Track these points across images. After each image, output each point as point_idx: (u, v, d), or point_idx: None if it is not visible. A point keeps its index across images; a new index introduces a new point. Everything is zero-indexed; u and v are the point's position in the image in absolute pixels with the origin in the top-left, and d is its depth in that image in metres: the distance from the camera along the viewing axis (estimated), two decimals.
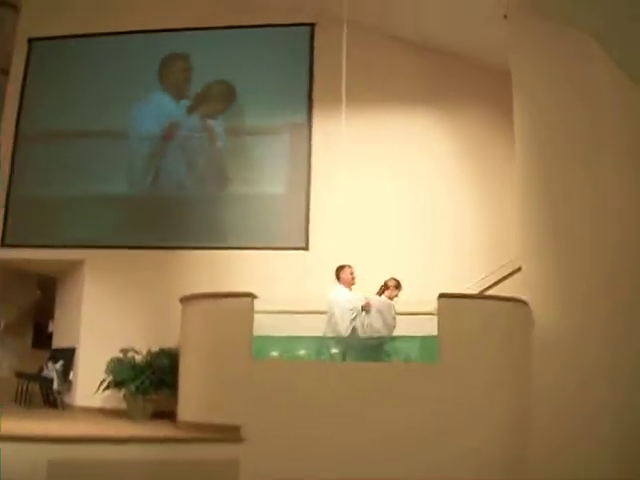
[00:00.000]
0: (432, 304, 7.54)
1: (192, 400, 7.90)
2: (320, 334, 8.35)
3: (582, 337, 7.55)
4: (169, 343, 9.29)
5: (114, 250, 10.39)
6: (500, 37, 8.80)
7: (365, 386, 7.27)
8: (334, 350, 8.11)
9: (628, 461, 7.27)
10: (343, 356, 8.10)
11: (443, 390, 7.20)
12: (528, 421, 7.41)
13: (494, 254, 9.68)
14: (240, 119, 10.85)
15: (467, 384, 7.24)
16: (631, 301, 8.00)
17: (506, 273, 9.56)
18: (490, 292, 9.46)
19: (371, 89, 10.41)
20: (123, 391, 9.21)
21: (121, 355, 9.43)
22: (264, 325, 7.79)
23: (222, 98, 10.94)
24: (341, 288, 8.51)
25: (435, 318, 7.42)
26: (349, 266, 8.66)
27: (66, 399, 10.14)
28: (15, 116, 10.82)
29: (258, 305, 7.66)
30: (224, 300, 7.81)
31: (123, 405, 9.35)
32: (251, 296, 7.63)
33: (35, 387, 10.48)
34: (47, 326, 12.09)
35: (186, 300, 8.25)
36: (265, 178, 10.58)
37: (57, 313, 11.62)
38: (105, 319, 10.08)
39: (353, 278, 8.61)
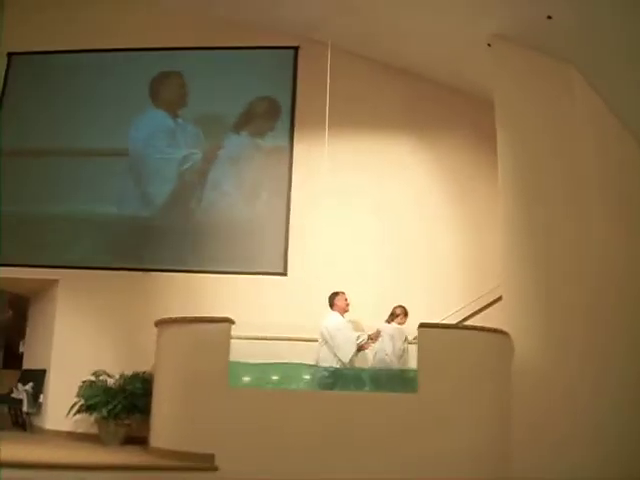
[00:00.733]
0: (412, 333, 7.48)
1: (165, 426, 7.76)
2: (297, 361, 8.29)
3: (562, 367, 7.57)
4: (143, 367, 9.17)
5: (89, 271, 10.20)
6: (483, 65, 8.82)
7: (341, 416, 7.18)
8: (325, 374, 7.98)
9: None
10: (332, 385, 7.94)
11: (422, 421, 7.12)
12: (508, 451, 7.34)
13: (474, 283, 9.61)
14: (220, 139, 10.78)
15: (446, 414, 7.17)
16: (611, 333, 8.01)
17: (486, 303, 9.51)
18: (470, 322, 9.37)
19: (353, 114, 10.37)
20: (94, 415, 9.04)
21: (93, 378, 9.28)
22: (241, 351, 7.69)
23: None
24: (336, 315, 8.44)
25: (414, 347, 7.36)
26: (343, 293, 8.62)
27: (36, 422, 9.93)
28: None
29: (235, 330, 7.54)
30: (201, 325, 7.69)
31: (94, 429, 9.19)
32: (229, 321, 7.52)
33: (4, 408, 10.27)
34: (18, 346, 11.87)
35: (162, 323, 8.13)
36: (244, 201, 10.45)
37: (28, 333, 11.38)
38: (78, 341, 9.89)
39: (347, 305, 8.58)
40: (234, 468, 6.95)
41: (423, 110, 10.59)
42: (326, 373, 7.98)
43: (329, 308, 8.54)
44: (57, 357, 9.99)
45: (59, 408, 9.33)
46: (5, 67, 11.20)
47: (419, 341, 7.31)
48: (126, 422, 8.94)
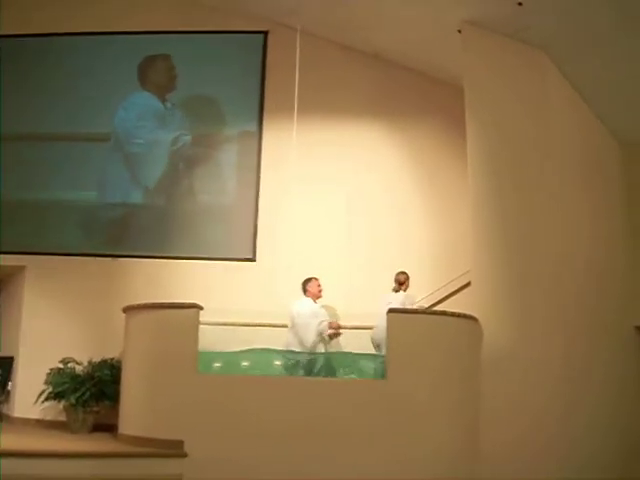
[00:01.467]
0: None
1: (134, 413, 7.72)
2: (264, 346, 8.28)
3: (531, 352, 7.65)
4: (111, 353, 9.14)
5: (57, 257, 10.07)
6: (454, 52, 8.81)
7: (310, 401, 7.17)
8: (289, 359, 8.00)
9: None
10: (309, 371, 7.96)
11: (391, 406, 7.12)
12: (476, 437, 7.40)
13: (444, 269, 9.64)
14: (188, 125, 10.65)
15: (414, 399, 7.18)
16: (581, 318, 8.11)
17: (456, 288, 9.56)
18: (440, 307, 9.40)
19: (323, 99, 10.30)
20: (63, 403, 8.97)
21: (61, 365, 9.21)
22: (209, 337, 7.65)
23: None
24: (307, 301, 8.50)
25: None
26: (316, 279, 8.67)
27: (4, 410, 9.81)
28: None
29: (203, 316, 7.51)
30: (169, 311, 7.65)
31: (63, 417, 9.12)
32: (197, 307, 7.48)
33: None
34: None
35: (130, 310, 8.08)
36: (213, 187, 10.39)
37: None
38: (45, 328, 9.78)
39: (320, 291, 8.64)
40: (203, 454, 6.94)
41: (394, 96, 10.55)
42: (291, 357, 8.02)
43: (302, 294, 8.57)
44: (25, 344, 9.88)
45: (27, 396, 9.23)
46: None
47: (388, 326, 7.31)
48: (94, 409, 8.87)
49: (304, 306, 8.45)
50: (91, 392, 8.82)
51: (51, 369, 9.19)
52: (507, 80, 8.50)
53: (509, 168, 8.21)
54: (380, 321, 7.92)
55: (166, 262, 9.98)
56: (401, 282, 9.00)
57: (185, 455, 6.96)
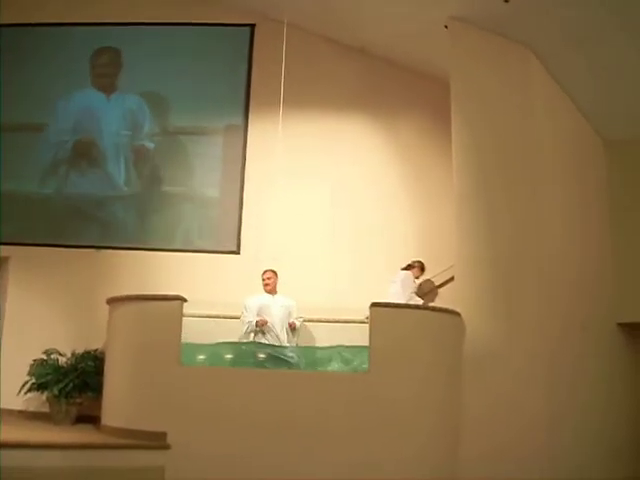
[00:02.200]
0: (364, 312, 7.51)
1: (117, 405, 7.73)
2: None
3: (514, 348, 7.67)
4: (95, 345, 9.11)
5: (40, 248, 10.05)
6: (440, 47, 8.84)
7: (293, 394, 7.20)
8: (261, 356, 8.01)
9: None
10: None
11: (373, 399, 7.16)
12: (459, 433, 7.46)
13: (428, 264, 9.62)
14: (173, 118, 10.63)
15: (397, 394, 7.22)
16: (565, 313, 8.15)
17: (439, 283, 9.61)
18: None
19: (309, 92, 10.34)
20: (46, 394, 8.94)
21: (44, 357, 9.18)
22: (193, 329, 7.67)
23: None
24: (261, 294, 8.68)
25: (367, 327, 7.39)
26: (266, 271, 8.77)
27: None
28: None
29: (187, 309, 7.52)
30: (152, 303, 7.67)
31: (46, 408, 9.07)
32: (180, 299, 7.50)
33: None
34: None
35: (113, 301, 8.08)
36: (198, 180, 10.39)
37: None
38: (29, 319, 9.77)
39: (266, 284, 8.73)
40: (186, 446, 6.95)
41: (380, 90, 10.58)
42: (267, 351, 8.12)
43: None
44: (8, 335, 9.85)
45: (10, 387, 9.15)
46: None
47: (370, 320, 7.34)
48: (78, 400, 8.84)
49: (250, 299, 8.61)
50: (74, 383, 8.79)
51: (34, 360, 9.15)
52: (493, 76, 8.54)
53: (494, 163, 8.25)
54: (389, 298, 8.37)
55: (151, 254, 9.98)
56: (411, 266, 9.25)
57: (168, 447, 6.98)
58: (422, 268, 9.36)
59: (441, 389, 7.48)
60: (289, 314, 8.68)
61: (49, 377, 8.89)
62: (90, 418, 8.49)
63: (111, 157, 10.54)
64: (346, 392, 7.22)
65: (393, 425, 7.12)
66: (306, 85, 10.22)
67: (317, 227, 10.05)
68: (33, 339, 9.44)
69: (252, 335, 8.41)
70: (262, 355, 7.97)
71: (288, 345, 8.40)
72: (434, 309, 8.09)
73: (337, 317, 8.94)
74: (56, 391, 8.74)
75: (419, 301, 9.15)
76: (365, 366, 7.39)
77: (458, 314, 7.76)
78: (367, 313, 7.42)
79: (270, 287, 8.79)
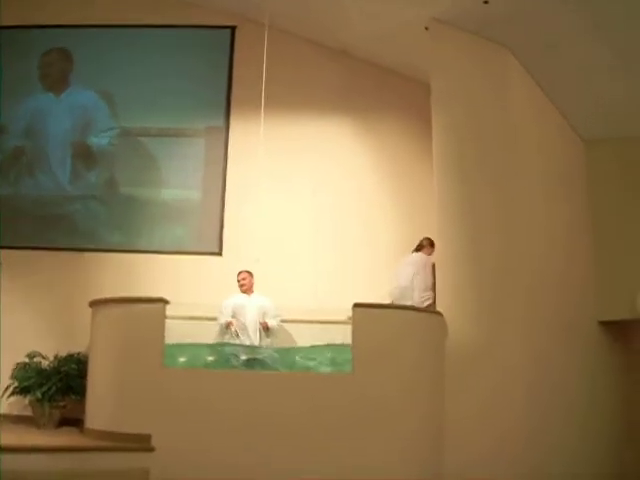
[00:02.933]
0: (347, 313, 7.54)
1: (101, 407, 7.70)
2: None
3: (497, 348, 7.73)
4: (78, 348, 9.07)
5: (20, 251, 10.00)
6: (421, 48, 8.89)
7: (277, 396, 7.21)
8: (243, 357, 8.04)
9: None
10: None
11: (357, 400, 7.19)
12: (442, 430, 7.50)
13: None
14: (154, 120, 10.62)
15: (381, 394, 7.26)
16: (548, 313, 8.23)
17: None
18: None
19: (291, 94, 10.37)
20: (29, 397, 8.90)
21: (27, 360, 9.16)
22: (175, 331, 7.67)
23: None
24: (236, 296, 8.81)
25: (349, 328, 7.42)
26: (240, 272, 8.87)
27: None
28: None
29: (169, 311, 7.53)
30: (135, 305, 7.65)
31: (29, 412, 9.04)
32: (163, 301, 7.51)
33: None
34: None
35: (96, 304, 8.06)
36: (179, 181, 10.40)
37: None
38: (11, 322, 9.67)
39: (241, 285, 8.87)
40: (171, 448, 6.95)
41: (361, 92, 10.62)
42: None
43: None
44: None
45: None
46: None
47: (353, 321, 7.38)
48: (61, 404, 8.82)
49: (227, 300, 8.74)
50: (57, 387, 8.77)
51: (17, 363, 9.13)
52: (473, 76, 8.60)
53: (474, 164, 8.31)
54: (398, 281, 8.58)
55: (133, 256, 9.96)
56: (421, 245, 9.14)
57: (152, 449, 6.97)
58: (432, 244, 8.95)
59: (425, 388, 7.53)
60: (264, 314, 8.72)
61: (32, 380, 8.85)
62: (74, 421, 8.48)
63: (62, 158, 10.57)
64: (331, 393, 7.24)
65: (378, 425, 7.14)
66: (288, 87, 10.24)
67: (299, 228, 10.08)
68: (15, 342, 9.36)
69: (226, 336, 8.48)
70: (236, 356, 8.00)
71: (263, 346, 8.45)
72: (415, 309, 8.15)
73: (320, 318, 8.95)
74: (39, 394, 8.72)
75: (430, 297, 8.81)
76: (348, 367, 7.42)
77: (440, 314, 7.80)
78: (350, 313, 7.44)
79: (246, 287, 8.86)
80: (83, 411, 7.98)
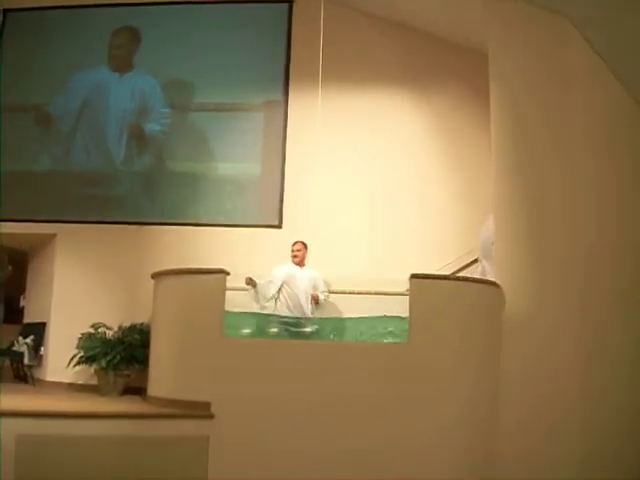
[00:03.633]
0: (404, 285, 7.55)
1: (162, 376, 7.87)
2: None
3: (554, 322, 7.54)
4: (141, 318, 9.31)
5: (86, 225, 10.29)
6: (478, 19, 8.78)
7: (335, 365, 7.26)
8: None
9: (597, 459, 7.41)
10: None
11: (412, 371, 7.20)
12: (496, 407, 7.42)
13: (467, 237, 9.61)
14: (214, 95, 10.74)
15: (436, 365, 7.25)
16: (608, 289, 8.06)
17: (477, 257, 9.58)
18: (464, 273, 9.43)
19: (348, 68, 10.37)
20: (94, 366, 9.17)
21: (92, 330, 9.42)
22: (236, 302, 7.79)
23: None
24: (288, 265, 8.87)
25: (406, 299, 7.41)
26: (295, 242, 8.91)
27: (37, 374, 10.07)
28: None
29: (230, 282, 7.63)
30: (196, 276, 7.75)
31: (94, 381, 9.34)
32: (223, 272, 7.58)
33: (6, 362, 10.42)
34: (18, 301, 12.00)
35: (158, 276, 8.20)
36: (238, 155, 10.50)
37: (28, 288, 11.51)
38: (76, 294, 10.02)
39: (294, 256, 8.89)
40: (229, 416, 7.07)
41: (419, 65, 10.56)
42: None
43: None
44: (57, 310, 10.14)
45: (59, 360, 9.47)
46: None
47: (410, 292, 7.40)
48: (125, 373, 9.07)
49: (275, 269, 8.79)
50: (121, 356, 9.01)
51: (82, 334, 9.40)
52: (530, 47, 8.40)
53: (531, 135, 8.16)
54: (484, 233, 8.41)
55: (193, 229, 10.13)
56: None
57: (212, 416, 7.10)
58: None
59: (480, 360, 7.45)
60: (314, 287, 8.77)
61: (97, 350, 9.11)
62: (137, 390, 8.69)
63: (119, 136, 10.77)
64: (386, 362, 7.27)
65: (431, 395, 7.15)
66: (345, 60, 10.26)
67: (357, 200, 10.15)
68: (81, 313, 9.69)
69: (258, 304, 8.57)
70: (278, 328, 8.14)
71: (312, 317, 8.54)
72: (473, 280, 8.07)
73: (375, 289, 8.98)
74: (104, 364, 8.97)
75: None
76: (403, 338, 7.45)
77: (497, 285, 7.74)
78: (406, 285, 7.46)
79: (298, 259, 8.88)
80: (146, 380, 8.16)
